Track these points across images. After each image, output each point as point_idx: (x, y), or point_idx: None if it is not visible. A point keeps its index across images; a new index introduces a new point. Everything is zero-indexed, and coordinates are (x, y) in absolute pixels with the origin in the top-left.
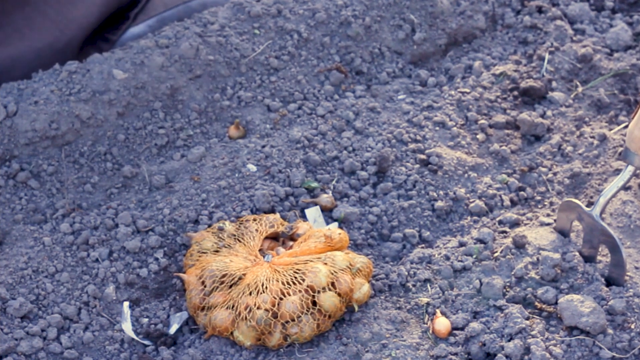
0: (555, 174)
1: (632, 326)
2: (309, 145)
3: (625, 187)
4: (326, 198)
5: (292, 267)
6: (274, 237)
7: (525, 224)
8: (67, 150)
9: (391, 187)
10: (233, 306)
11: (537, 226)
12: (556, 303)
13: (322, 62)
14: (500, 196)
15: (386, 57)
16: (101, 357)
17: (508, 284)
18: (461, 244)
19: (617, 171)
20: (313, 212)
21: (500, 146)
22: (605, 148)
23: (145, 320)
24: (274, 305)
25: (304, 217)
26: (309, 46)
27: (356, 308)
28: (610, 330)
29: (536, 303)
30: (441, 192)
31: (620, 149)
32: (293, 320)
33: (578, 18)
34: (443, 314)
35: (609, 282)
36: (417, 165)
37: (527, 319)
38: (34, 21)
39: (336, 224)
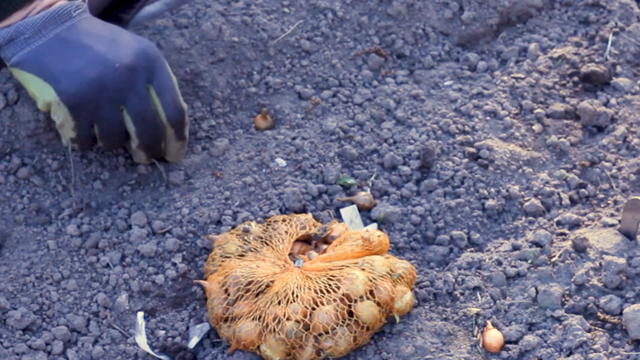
0: (619, 169)
1: None
2: (345, 137)
3: None
4: (364, 196)
5: (326, 273)
6: (306, 240)
7: (587, 225)
8: None
9: (436, 183)
10: (260, 317)
11: (600, 227)
12: (621, 313)
13: (360, 44)
14: (558, 194)
15: (431, 38)
16: None
17: (567, 292)
18: (515, 248)
19: None
20: (349, 212)
21: (559, 138)
22: None
23: (162, 332)
24: (305, 316)
25: (339, 217)
26: (344, 26)
27: (397, 319)
28: None
29: (599, 313)
30: (492, 190)
31: None
32: (327, 332)
33: None
34: (494, 325)
35: None
36: (466, 160)
37: (589, 331)
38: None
39: (375, 225)
